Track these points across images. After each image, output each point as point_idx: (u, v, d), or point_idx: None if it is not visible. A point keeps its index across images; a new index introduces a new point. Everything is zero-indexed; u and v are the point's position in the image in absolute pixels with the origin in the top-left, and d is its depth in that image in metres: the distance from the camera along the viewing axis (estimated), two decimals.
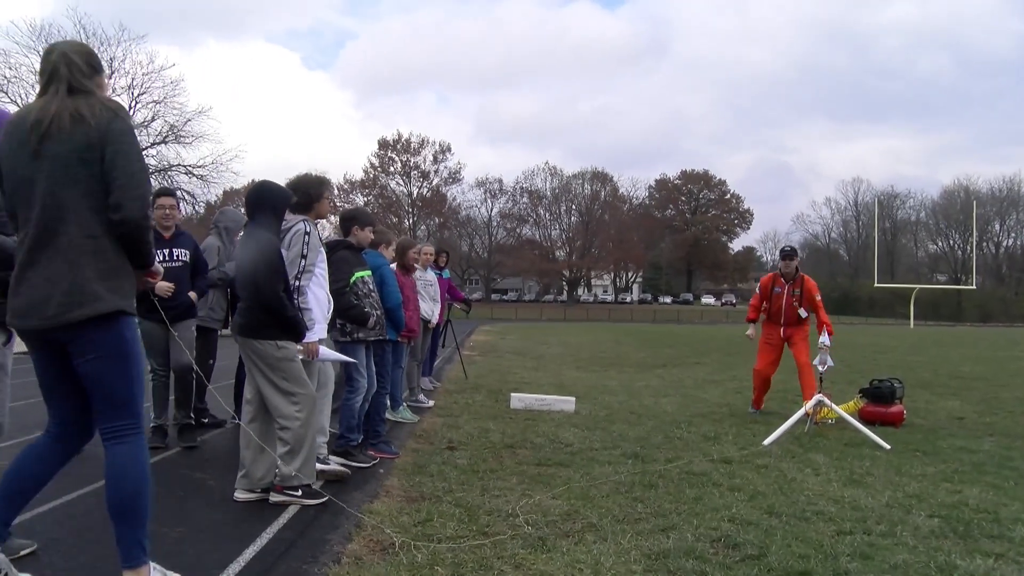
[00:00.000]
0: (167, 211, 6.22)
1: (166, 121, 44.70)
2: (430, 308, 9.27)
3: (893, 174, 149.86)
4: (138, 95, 44.34)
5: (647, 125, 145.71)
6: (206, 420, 7.12)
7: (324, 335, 5.22)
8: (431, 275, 9.41)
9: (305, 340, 4.84)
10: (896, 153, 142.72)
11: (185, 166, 45.16)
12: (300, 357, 4.77)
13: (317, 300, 5.06)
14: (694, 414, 8.61)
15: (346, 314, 5.69)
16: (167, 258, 6.10)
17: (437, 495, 4.80)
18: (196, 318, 6.44)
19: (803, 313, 8.57)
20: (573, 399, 8.99)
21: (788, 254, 8.79)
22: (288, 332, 4.63)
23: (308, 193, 5.15)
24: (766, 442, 6.72)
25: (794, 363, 8.58)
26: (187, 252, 6.28)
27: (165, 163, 45.34)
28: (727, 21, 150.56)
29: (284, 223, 4.91)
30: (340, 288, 5.62)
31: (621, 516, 4.40)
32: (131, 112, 44.16)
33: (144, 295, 4.11)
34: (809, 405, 7.31)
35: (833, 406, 7.36)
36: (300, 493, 4.59)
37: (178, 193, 43.77)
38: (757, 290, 9.02)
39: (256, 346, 4.62)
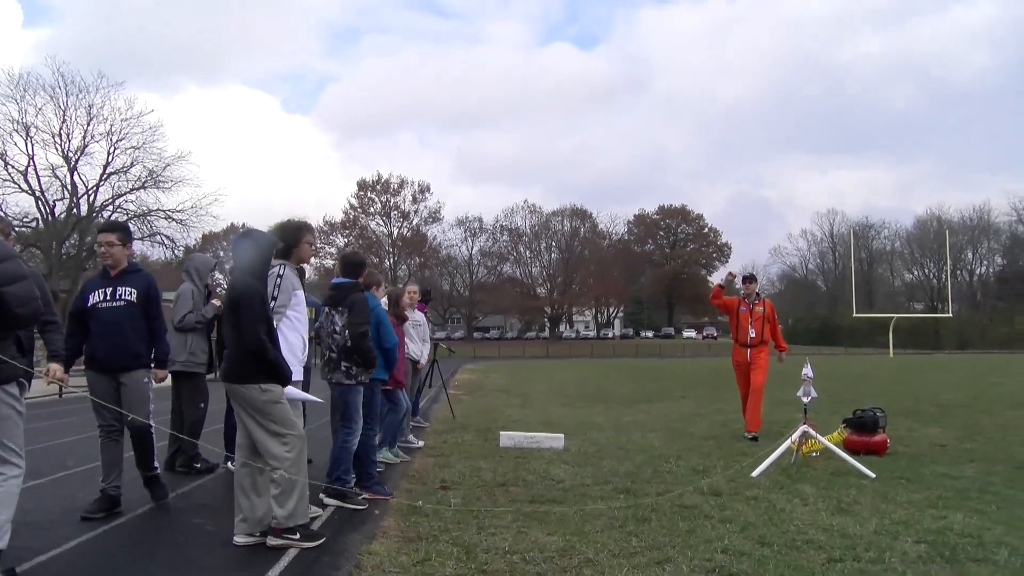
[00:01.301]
0: (104, 248, 5.57)
1: (145, 166, 44.88)
2: (418, 348, 9.36)
3: (867, 205, 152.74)
4: (117, 141, 44.51)
5: (625, 161, 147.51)
6: (199, 465, 7.12)
7: (296, 376, 5.25)
8: (419, 316, 9.51)
9: None
10: (870, 184, 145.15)
11: (164, 211, 45.22)
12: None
13: (287, 342, 5.15)
14: (682, 448, 8.70)
15: (365, 357, 5.79)
16: (107, 297, 5.47)
17: (434, 534, 4.86)
18: (146, 369, 5.59)
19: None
20: (562, 436, 9.06)
21: (748, 278, 10.12)
22: (272, 375, 4.68)
23: (287, 239, 5.35)
24: (754, 474, 6.82)
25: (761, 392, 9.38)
26: (133, 291, 5.51)
27: (144, 208, 45.36)
28: (702, 57, 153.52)
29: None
30: (365, 331, 5.75)
31: (616, 550, 4.48)
32: (110, 158, 44.60)
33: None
34: (794, 436, 7.43)
35: (818, 436, 7.49)
36: (298, 536, 4.63)
37: (140, 231, 43.67)
38: (719, 304, 10.29)
39: (242, 391, 4.68)
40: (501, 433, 9.27)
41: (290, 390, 5.09)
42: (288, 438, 4.67)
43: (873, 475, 6.72)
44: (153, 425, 5.54)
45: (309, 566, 4.28)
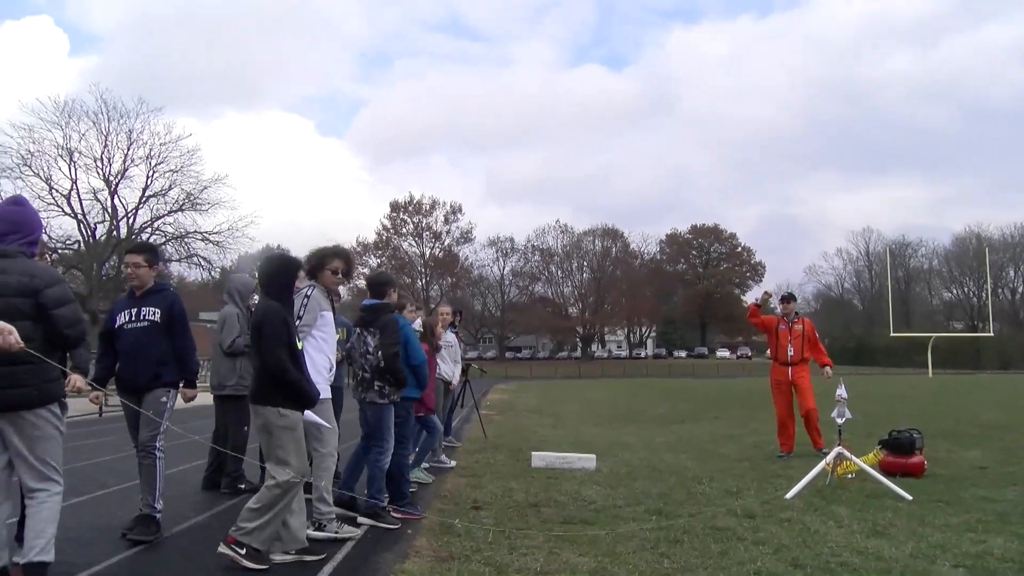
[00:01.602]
0: (131, 269, 5.58)
1: (183, 189, 45.86)
2: (450, 369, 9.44)
3: (903, 224, 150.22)
4: (156, 164, 45.53)
5: (655, 180, 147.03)
6: (243, 486, 7.21)
7: (324, 395, 5.39)
8: (450, 337, 9.59)
9: None
10: (904, 203, 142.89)
11: (201, 232, 46.07)
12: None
13: (312, 361, 5.28)
14: (715, 469, 8.65)
15: (397, 376, 5.91)
16: (132, 318, 5.46)
17: (466, 554, 4.89)
18: (165, 388, 5.49)
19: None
20: (593, 456, 9.05)
21: (786, 298, 10.35)
22: (292, 398, 4.76)
23: (312, 263, 5.59)
24: (788, 495, 6.76)
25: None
26: (157, 311, 5.47)
27: (182, 230, 46.28)
28: (731, 78, 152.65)
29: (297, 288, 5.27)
30: (397, 351, 5.86)
31: (648, 572, 4.48)
32: (149, 181, 45.60)
33: None
34: (829, 458, 7.35)
35: (853, 458, 7.40)
36: (244, 552, 4.55)
37: (167, 251, 44.40)
38: (756, 323, 10.40)
39: (260, 411, 4.77)
40: (533, 453, 9.28)
41: (306, 413, 5.19)
42: (289, 468, 4.69)
43: (910, 497, 6.63)
44: (159, 450, 5.36)
45: None
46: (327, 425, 5.47)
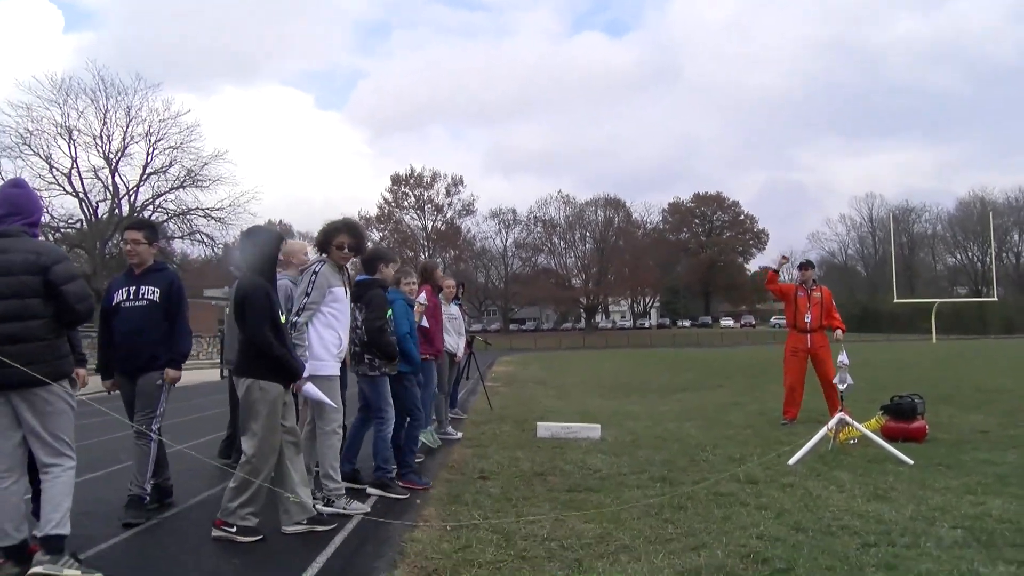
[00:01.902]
0: (130, 246, 5.46)
1: (183, 166, 45.71)
2: (455, 342, 9.50)
3: (907, 188, 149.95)
4: (155, 141, 45.37)
5: (658, 150, 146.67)
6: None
7: (329, 372, 5.45)
8: (454, 309, 9.65)
9: None
10: (909, 167, 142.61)
11: (203, 209, 46.01)
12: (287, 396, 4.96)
13: (320, 338, 5.36)
14: (718, 437, 8.74)
15: (384, 350, 5.94)
16: (130, 296, 5.34)
17: (474, 523, 4.98)
18: (161, 370, 5.34)
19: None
20: (598, 426, 9.14)
21: (804, 265, 10.27)
22: (276, 372, 4.80)
23: (320, 240, 5.63)
24: (791, 461, 6.85)
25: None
26: (156, 290, 5.35)
27: (183, 207, 46.23)
28: (734, 44, 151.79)
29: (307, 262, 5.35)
30: (381, 326, 5.89)
31: (653, 537, 4.57)
32: (149, 159, 45.52)
33: None
34: (831, 423, 7.43)
35: (855, 424, 7.48)
36: (235, 530, 4.68)
37: (169, 228, 44.35)
38: (775, 290, 10.52)
39: (241, 383, 4.82)
40: (538, 424, 9.38)
41: (308, 388, 5.25)
42: (261, 442, 4.74)
43: (911, 462, 6.71)
44: (155, 435, 5.32)
45: (354, 552, 4.45)
46: (331, 404, 5.45)
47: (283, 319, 4.96)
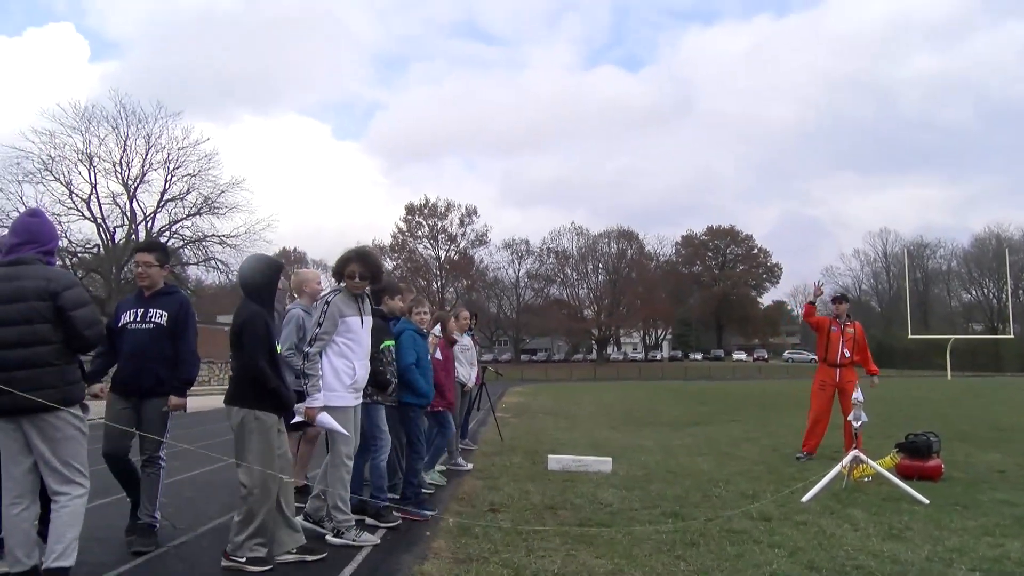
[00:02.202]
0: (141, 268, 5.40)
1: (200, 193, 46.21)
2: (467, 372, 9.50)
3: (922, 224, 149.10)
4: (173, 168, 45.95)
5: (672, 183, 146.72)
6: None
7: (342, 403, 5.41)
8: (467, 339, 9.65)
9: (307, 405, 5.14)
10: (924, 203, 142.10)
11: (219, 236, 46.41)
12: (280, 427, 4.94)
13: (333, 368, 5.37)
14: (731, 472, 8.66)
15: (372, 379, 5.93)
16: (137, 319, 5.27)
17: (484, 556, 4.95)
18: (165, 396, 5.31)
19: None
20: (610, 459, 9.08)
21: (839, 299, 10.22)
22: (270, 402, 4.80)
23: (335, 271, 5.67)
24: (804, 499, 6.78)
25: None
26: (164, 314, 5.28)
27: (200, 234, 46.64)
28: (750, 78, 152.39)
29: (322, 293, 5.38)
30: (372, 355, 5.90)
31: (664, 574, 4.52)
32: (167, 185, 46.04)
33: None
34: (845, 461, 7.36)
35: (870, 462, 7.40)
36: (244, 560, 4.67)
37: (185, 254, 44.58)
38: (812, 323, 10.33)
39: (235, 412, 4.81)
40: (549, 456, 9.33)
41: (323, 418, 5.25)
42: (259, 472, 4.72)
43: (927, 501, 6.62)
44: (163, 459, 5.34)
45: None
46: (345, 432, 5.42)
47: (279, 349, 4.99)
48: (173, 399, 5.28)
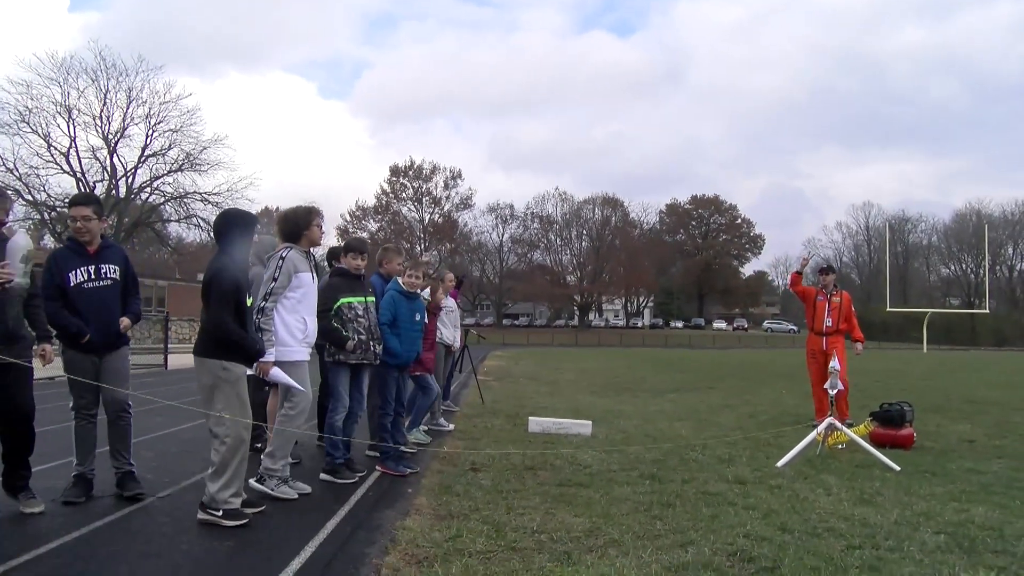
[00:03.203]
0: (80, 223, 5.31)
1: (182, 149, 45.61)
2: (451, 334, 9.56)
3: (905, 198, 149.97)
4: (155, 124, 45.26)
5: (659, 151, 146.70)
6: (259, 445, 7.30)
7: (295, 357, 5.54)
8: (451, 302, 9.69)
9: (260, 360, 5.18)
10: (908, 178, 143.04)
11: (200, 193, 45.92)
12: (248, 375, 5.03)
13: (284, 324, 5.47)
14: (708, 437, 8.81)
15: (326, 336, 6.07)
16: (92, 276, 5.30)
17: (464, 513, 5.04)
18: (129, 347, 5.59)
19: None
20: (590, 423, 9.21)
21: (825, 270, 10.38)
22: (236, 353, 4.87)
23: (296, 223, 5.71)
24: (779, 464, 6.92)
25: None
26: (117, 268, 5.41)
27: (181, 190, 46.12)
28: (740, 48, 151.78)
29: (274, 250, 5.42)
30: (322, 311, 5.98)
31: (641, 532, 4.63)
32: (148, 141, 45.41)
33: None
34: (820, 428, 7.50)
35: (844, 429, 7.56)
36: (221, 513, 4.73)
37: (166, 211, 44.20)
38: (798, 292, 10.53)
39: (205, 363, 4.84)
40: (530, 419, 9.44)
41: (275, 372, 5.32)
42: (231, 422, 4.77)
43: (898, 468, 6.79)
44: (131, 408, 5.52)
45: (347, 539, 4.49)
46: (299, 387, 5.54)
47: (250, 302, 5.03)
48: (126, 321, 5.42)
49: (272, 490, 5.48)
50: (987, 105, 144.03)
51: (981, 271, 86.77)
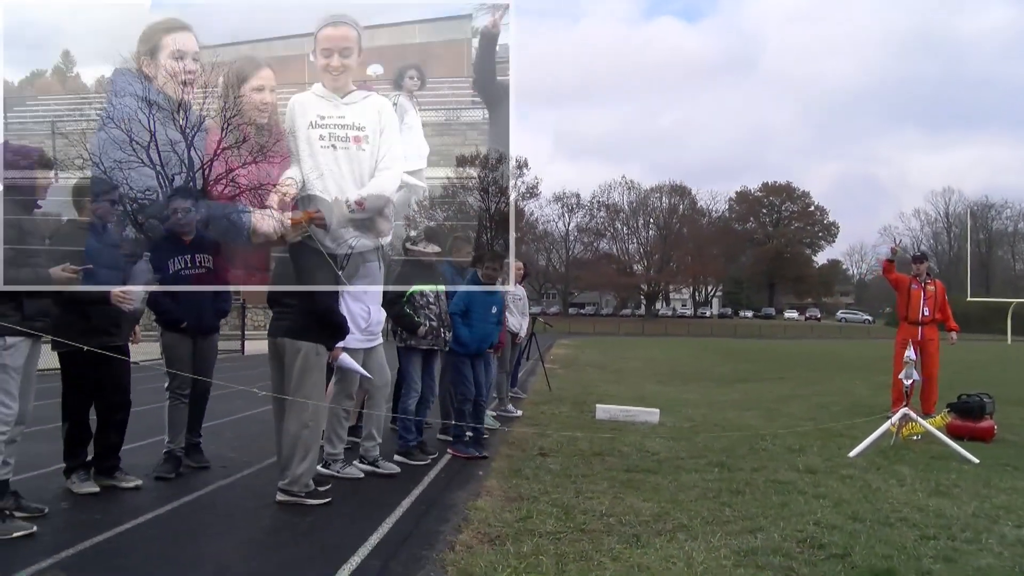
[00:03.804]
0: (181, 214, 5.77)
1: (257, 142, 46.66)
2: (518, 322, 9.67)
3: (988, 184, 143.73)
4: (230, 117, 46.47)
5: (729, 139, 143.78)
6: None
7: (354, 345, 5.68)
8: (520, 290, 9.80)
9: None
10: (993, 162, 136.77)
11: (275, 185, 46.99)
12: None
13: (349, 312, 5.58)
14: (779, 427, 8.72)
15: (399, 321, 6.27)
16: (188, 264, 5.70)
17: (534, 496, 5.15)
18: (219, 332, 6.14)
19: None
20: (657, 411, 9.22)
21: (919, 258, 10.21)
22: (331, 339, 5.07)
23: None
24: (852, 454, 6.83)
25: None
26: (210, 257, 5.80)
27: (255, 182, 47.32)
28: (813, 32, 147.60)
29: None
30: (393, 298, 6.14)
31: (710, 518, 4.66)
32: (223, 134, 46.86)
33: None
34: (894, 419, 7.36)
35: (920, 420, 7.40)
36: (304, 494, 4.89)
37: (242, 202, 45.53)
38: (891, 280, 10.15)
39: (299, 347, 4.92)
40: (597, 406, 9.50)
41: (344, 359, 5.49)
42: (315, 405, 4.92)
43: (977, 461, 6.62)
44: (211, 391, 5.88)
45: (421, 516, 4.66)
46: (367, 375, 5.76)
47: None
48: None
49: (339, 472, 5.67)
50: None
51: None
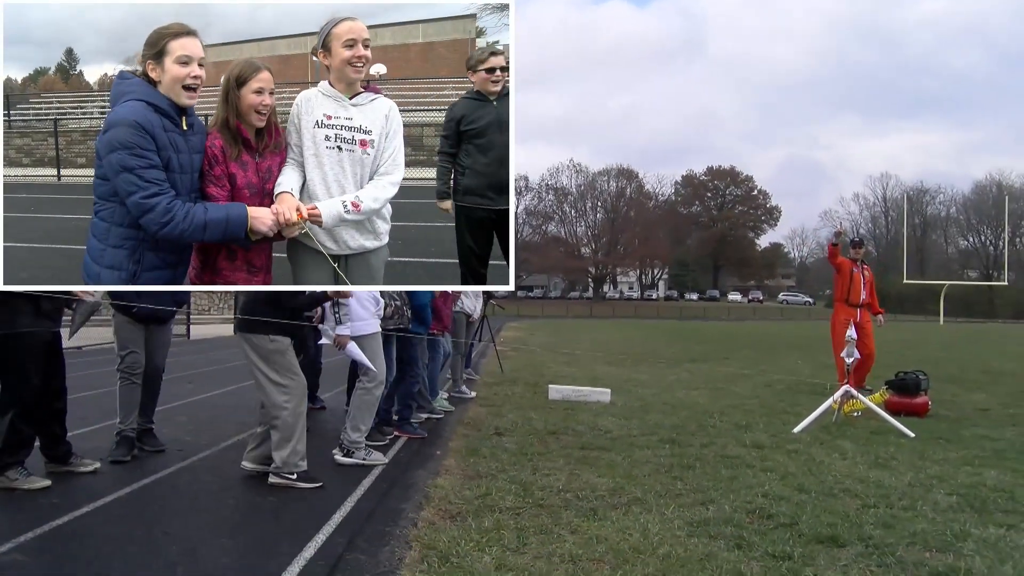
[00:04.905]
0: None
1: None
2: (472, 304, 9.73)
3: (924, 170, 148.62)
4: None
5: (676, 123, 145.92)
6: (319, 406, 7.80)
7: (369, 330, 5.71)
8: None
9: (338, 333, 5.37)
10: (927, 149, 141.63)
11: None
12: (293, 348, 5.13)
13: (358, 297, 5.57)
14: (725, 405, 8.98)
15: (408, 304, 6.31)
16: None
17: (492, 473, 5.25)
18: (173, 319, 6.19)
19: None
20: (608, 391, 9.40)
21: (857, 243, 10.89)
22: (283, 326, 4.97)
23: None
24: (796, 430, 7.10)
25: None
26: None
27: None
28: (759, 19, 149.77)
29: None
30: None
31: (663, 492, 4.82)
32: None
33: None
34: (836, 395, 7.65)
35: (860, 397, 7.70)
36: (295, 477, 4.90)
37: None
38: (836, 264, 10.44)
39: (252, 340, 4.93)
40: (550, 386, 9.65)
41: (352, 348, 5.50)
42: (289, 387, 4.90)
43: (912, 435, 6.94)
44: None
45: (382, 497, 4.72)
46: (372, 367, 5.69)
47: None
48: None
49: (364, 460, 5.60)
50: (1009, 75, 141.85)
51: (1000, 243, 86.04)
